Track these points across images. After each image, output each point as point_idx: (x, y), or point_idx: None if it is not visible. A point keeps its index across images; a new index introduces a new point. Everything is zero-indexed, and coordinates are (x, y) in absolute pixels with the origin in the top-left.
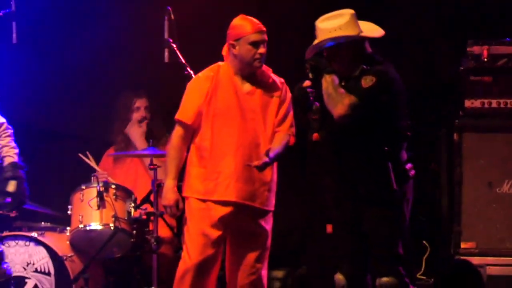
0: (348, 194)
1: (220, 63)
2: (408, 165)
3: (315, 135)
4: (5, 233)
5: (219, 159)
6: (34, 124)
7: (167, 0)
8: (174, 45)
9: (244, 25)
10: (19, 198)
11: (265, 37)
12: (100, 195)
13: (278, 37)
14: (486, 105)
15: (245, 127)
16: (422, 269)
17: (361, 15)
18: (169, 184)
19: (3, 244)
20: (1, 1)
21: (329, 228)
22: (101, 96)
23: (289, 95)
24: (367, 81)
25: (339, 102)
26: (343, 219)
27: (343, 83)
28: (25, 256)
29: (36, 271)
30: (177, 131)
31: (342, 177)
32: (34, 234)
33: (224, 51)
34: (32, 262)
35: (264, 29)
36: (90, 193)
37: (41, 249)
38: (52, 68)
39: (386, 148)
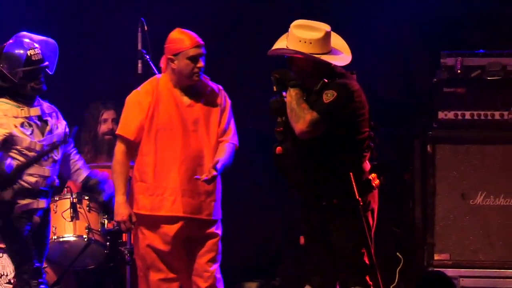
0: (313, 206)
1: (157, 76)
2: (372, 175)
3: (278, 148)
4: None
5: (164, 174)
6: None
7: (141, 11)
8: (148, 57)
9: (182, 40)
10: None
11: (203, 50)
12: (73, 206)
13: (251, 47)
14: (459, 117)
15: (188, 140)
16: (396, 281)
17: (335, 28)
18: (120, 200)
19: None
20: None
21: (302, 240)
22: (72, 106)
23: (228, 102)
24: (328, 96)
25: (301, 118)
26: (311, 230)
27: (304, 97)
28: None
29: (9, 282)
30: (120, 147)
31: (306, 189)
32: None
33: (162, 64)
34: (5, 274)
35: (202, 42)
36: (63, 204)
37: None
38: None
39: (347, 159)
